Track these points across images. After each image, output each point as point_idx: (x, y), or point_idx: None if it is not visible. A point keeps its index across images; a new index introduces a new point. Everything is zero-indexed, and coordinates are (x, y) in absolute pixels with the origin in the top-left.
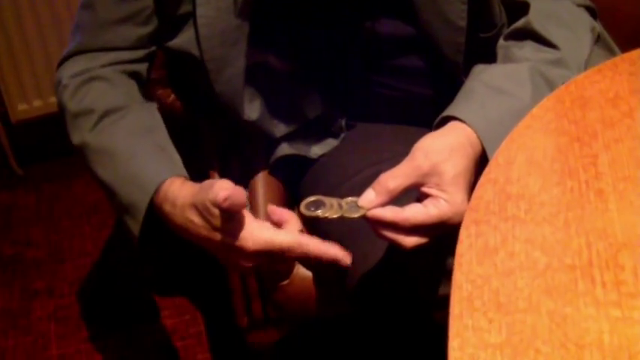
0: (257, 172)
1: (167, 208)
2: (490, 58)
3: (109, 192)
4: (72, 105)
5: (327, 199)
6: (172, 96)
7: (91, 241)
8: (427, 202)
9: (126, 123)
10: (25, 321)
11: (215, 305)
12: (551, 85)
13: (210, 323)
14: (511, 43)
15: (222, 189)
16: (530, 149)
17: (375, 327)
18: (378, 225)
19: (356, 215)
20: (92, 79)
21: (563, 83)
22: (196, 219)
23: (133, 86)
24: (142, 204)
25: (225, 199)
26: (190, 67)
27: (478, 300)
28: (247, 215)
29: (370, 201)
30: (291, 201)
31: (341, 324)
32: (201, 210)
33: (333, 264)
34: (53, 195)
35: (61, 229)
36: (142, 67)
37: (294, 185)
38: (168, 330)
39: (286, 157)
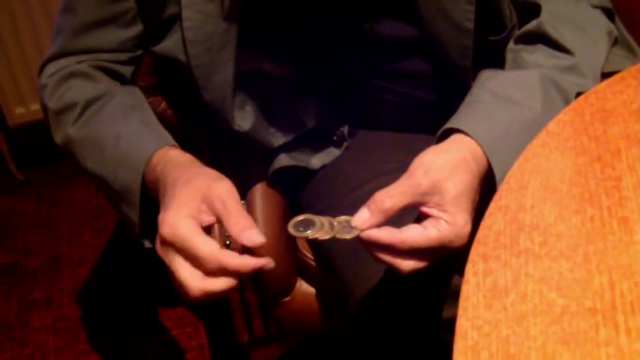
0: (255, 183)
1: (159, 169)
2: (501, 62)
3: (101, 184)
4: (52, 103)
5: (317, 219)
6: (163, 104)
7: (91, 248)
8: (427, 223)
9: (109, 108)
10: (22, 333)
11: (217, 317)
12: (565, 94)
13: (213, 336)
14: (521, 47)
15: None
16: (545, 171)
17: (379, 343)
18: (372, 247)
19: (348, 236)
20: (70, 75)
21: (577, 92)
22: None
23: (114, 81)
24: (135, 184)
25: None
26: (179, 73)
27: (485, 351)
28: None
29: (364, 221)
30: (291, 214)
31: (346, 339)
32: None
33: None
34: (53, 200)
35: (60, 236)
36: (125, 70)
37: (295, 197)
38: (170, 342)
39: (285, 168)
